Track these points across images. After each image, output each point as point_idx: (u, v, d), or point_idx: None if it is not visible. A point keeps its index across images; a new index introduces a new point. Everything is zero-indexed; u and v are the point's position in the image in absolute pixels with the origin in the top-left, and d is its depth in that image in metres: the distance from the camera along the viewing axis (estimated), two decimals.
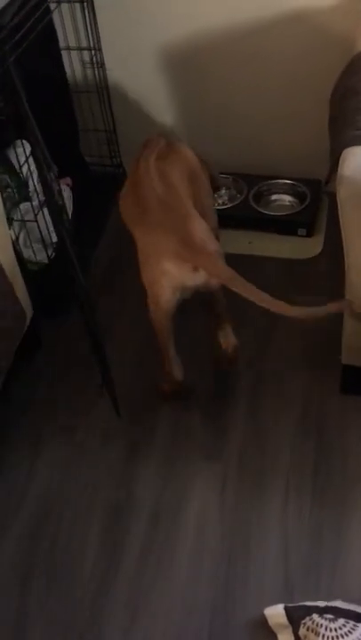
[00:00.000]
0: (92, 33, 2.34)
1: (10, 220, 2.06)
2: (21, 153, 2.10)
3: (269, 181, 2.51)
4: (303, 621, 1.40)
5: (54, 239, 2.16)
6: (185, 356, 2.01)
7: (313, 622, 1.38)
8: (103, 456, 1.84)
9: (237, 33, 2.30)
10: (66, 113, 2.50)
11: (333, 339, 1.82)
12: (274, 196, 2.51)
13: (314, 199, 2.43)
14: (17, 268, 1.87)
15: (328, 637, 1.35)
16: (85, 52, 2.40)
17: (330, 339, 1.91)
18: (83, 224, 2.37)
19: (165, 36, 2.35)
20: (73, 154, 2.58)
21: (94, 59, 2.39)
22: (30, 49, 1.86)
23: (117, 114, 2.53)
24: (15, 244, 2.08)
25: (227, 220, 2.42)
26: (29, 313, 1.93)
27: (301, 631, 1.39)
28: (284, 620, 1.43)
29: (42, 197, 2.14)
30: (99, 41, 2.37)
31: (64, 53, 2.40)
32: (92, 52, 2.38)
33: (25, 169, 2.12)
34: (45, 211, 2.09)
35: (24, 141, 2.11)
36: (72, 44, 2.39)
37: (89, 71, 2.43)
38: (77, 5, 2.29)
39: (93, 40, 2.35)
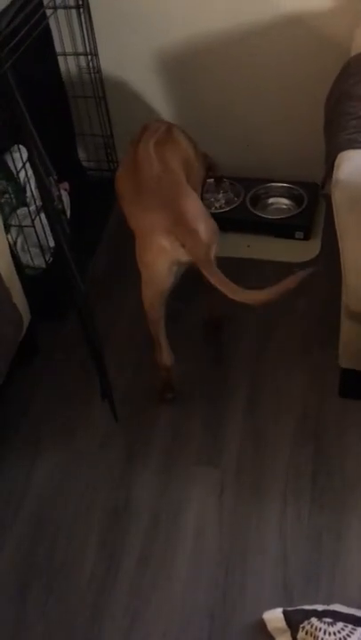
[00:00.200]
0: (88, 38, 2.35)
1: (7, 227, 2.06)
2: (18, 158, 2.10)
3: (266, 185, 2.51)
4: (302, 625, 1.39)
5: (52, 244, 2.16)
6: (185, 356, 2.02)
7: (312, 626, 1.38)
8: (102, 459, 1.84)
9: (234, 37, 2.30)
10: (63, 118, 2.50)
11: (332, 341, 1.82)
12: (271, 200, 2.51)
13: (311, 202, 2.43)
14: (14, 275, 1.87)
15: None
16: (82, 58, 2.40)
17: (328, 341, 1.91)
18: (80, 229, 2.37)
19: (161, 41, 2.36)
20: (70, 159, 2.58)
21: (90, 64, 2.40)
22: (27, 54, 1.87)
23: (114, 118, 2.54)
24: (13, 249, 2.09)
25: (224, 224, 2.41)
26: (27, 319, 1.94)
27: (300, 635, 1.39)
28: (282, 624, 1.43)
29: (39, 202, 2.14)
30: (95, 46, 2.38)
31: (61, 59, 2.41)
32: (89, 57, 2.39)
33: (22, 174, 2.13)
34: (43, 216, 2.10)
35: (21, 146, 2.11)
36: (68, 49, 2.40)
37: (86, 76, 2.43)
38: (73, 11, 2.30)
39: (90, 45, 2.36)
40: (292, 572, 1.57)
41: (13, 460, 1.86)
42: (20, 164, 2.10)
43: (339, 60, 1.87)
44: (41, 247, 2.11)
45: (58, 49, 2.38)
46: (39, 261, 2.15)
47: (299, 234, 2.39)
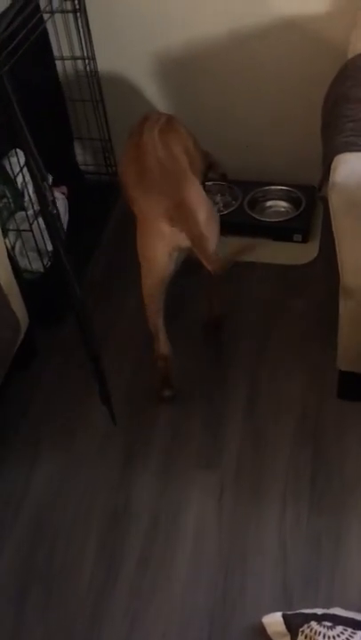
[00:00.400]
0: (85, 42, 2.35)
1: (5, 232, 2.06)
2: (15, 162, 2.10)
3: (264, 188, 2.51)
4: (301, 629, 1.39)
5: (50, 248, 2.16)
6: (185, 356, 2.02)
7: (311, 630, 1.38)
8: (101, 461, 1.84)
9: (232, 41, 2.31)
10: (61, 122, 2.51)
11: (331, 342, 1.82)
12: (269, 203, 2.51)
13: (309, 205, 2.43)
14: (13, 280, 1.87)
15: None
16: (79, 61, 2.41)
17: (327, 342, 1.91)
18: (78, 232, 2.38)
19: (158, 44, 2.36)
20: (68, 162, 2.58)
21: (88, 67, 2.40)
22: (25, 58, 1.87)
23: (112, 122, 2.54)
24: (12, 253, 2.09)
25: (222, 227, 2.42)
26: (25, 323, 1.94)
27: (300, 639, 1.38)
28: (282, 627, 1.43)
29: (37, 207, 2.14)
30: (92, 50, 2.38)
31: (58, 62, 2.41)
32: (86, 61, 2.39)
33: (20, 178, 2.13)
34: (41, 220, 2.10)
35: (19, 150, 2.12)
36: (66, 53, 2.40)
37: (83, 80, 2.44)
38: (71, 15, 2.31)
39: (87, 49, 2.37)
40: (291, 575, 1.56)
41: (13, 462, 1.86)
42: (17, 169, 2.10)
43: (336, 63, 1.88)
44: (39, 251, 2.11)
45: (55, 53, 2.39)
46: (37, 265, 2.15)
47: (297, 236, 2.39)
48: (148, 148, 1.87)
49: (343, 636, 1.35)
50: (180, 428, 1.90)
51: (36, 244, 2.09)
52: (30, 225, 2.06)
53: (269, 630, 1.45)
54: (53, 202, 1.56)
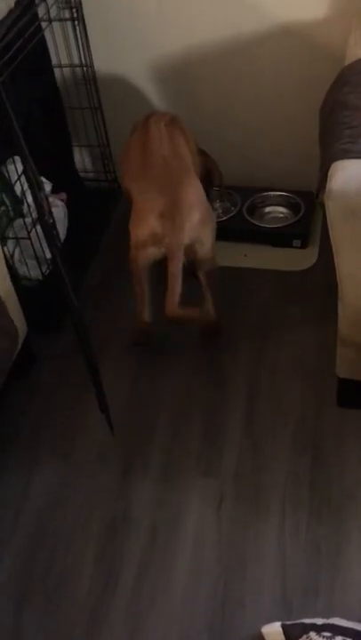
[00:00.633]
0: (83, 50, 2.35)
1: (4, 240, 2.06)
2: (13, 170, 2.11)
3: (263, 193, 2.51)
4: None
5: (48, 256, 2.16)
6: (183, 367, 2.02)
7: None
8: (101, 468, 1.84)
9: (229, 48, 2.31)
10: (59, 129, 2.51)
11: (330, 350, 1.82)
12: (268, 209, 2.51)
13: (308, 211, 2.43)
14: (11, 288, 1.87)
15: None
16: (77, 69, 2.41)
17: (326, 349, 1.90)
18: (78, 238, 2.38)
19: (156, 52, 2.36)
20: (67, 169, 2.59)
21: (86, 75, 2.40)
22: (23, 66, 1.88)
23: (111, 129, 2.54)
24: (10, 260, 2.09)
25: (221, 233, 2.42)
26: (23, 332, 1.93)
27: None
28: (281, 638, 1.42)
29: (35, 214, 2.14)
30: (90, 57, 2.38)
31: (57, 70, 2.41)
32: (84, 68, 2.39)
33: (19, 186, 2.13)
34: (39, 227, 2.10)
35: (17, 158, 2.12)
36: (64, 60, 2.40)
37: (81, 87, 2.44)
38: (69, 23, 2.31)
39: (85, 57, 2.37)
40: (291, 584, 1.55)
41: (12, 468, 1.86)
42: (16, 176, 2.10)
43: (334, 68, 1.87)
44: (37, 259, 2.11)
45: (54, 60, 2.39)
46: (36, 273, 2.15)
47: (296, 242, 2.39)
48: (154, 142, 1.88)
49: None
50: (179, 435, 1.89)
51: (35, 252, 2.09)
52: (28, 232, 2.06)
53: None
54: (49, 211, 1.56)
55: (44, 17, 2.15)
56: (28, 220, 2.11)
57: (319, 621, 1.42)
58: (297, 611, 1.50)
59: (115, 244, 2.50)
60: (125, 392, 2.02)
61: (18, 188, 2.14)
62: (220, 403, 1.96)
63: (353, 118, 1.59)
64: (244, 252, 2.41)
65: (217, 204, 2.52)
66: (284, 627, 1.43)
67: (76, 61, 2.39)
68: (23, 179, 2.11)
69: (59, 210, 2.34)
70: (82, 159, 2.67)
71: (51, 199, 2.30)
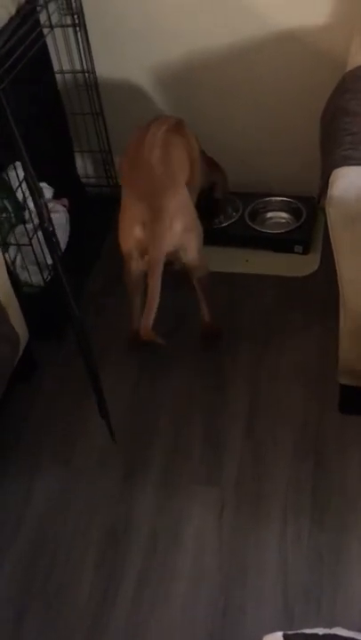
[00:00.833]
0: (84, 56, 2.36)
1: (6, 246, 2.07)
2: (15, 176, 2.11)
3: (265, 199, 2.51)
4: None
5: (50, 262, 2.16)
6: (184, 372, 2.01)
7: None
8: (101, 475, 1.84)
9: (230, 54, 2.31)
10: (61, 134, 2.51)
11: (332, 355, 1.81)
12: (270, 214, 2.51)
13: (310, 216, 2.43)
14: (12, 294, 1.87)
15: None
16: (79, 75, 2.41)
17: (328, 355, 1.90)
18: (80, 244, 2.38)
19: (157, 58, 2.37)
20: (69, 175, 2.59)
21: (88, 81, 2.41)
22: (25, 72, 1.88)
23: (112, 135, 2.55)
24: (12, 267, 2.09)
25: (223, 239, 2.43)
26: (24, 338, 1.93)
27: None
28: None
29: (37, 221, 2.14)
30: (92, 63, 2.39)
31: (58, 76, 2.42)
32: (86, 74, 2.40)
33: (20, 192, 2.13)
34: (41, 234, 2.10)
35: (18, 164, 2.12)
36: (66, 66, 2.41)
37: (83, 93, 2.44)
38: (70, 30, 2.32)
39: (87, 63, 2.37)
40: (292, 594, 1.55)
41: (14, 474, 1.86)
42: (17, 182, 2.11)
43: (335, 75, 1.88)
44: (39, 265, 2.11)
45: (55, 66, 2.40)
46: (37, 279, 2.15)
47: (298, 248, 2.39)
48: (145, 147, 1.87)
49: None
50: (179, 442, 1.89)
51: (36, 258, 2.09)
52: (30, 239, 2.06)
53: None
54: (49, 219, 1.57)
55: (46, 23, 2.15)
56: (30, 226, 2.11)
57: (321, 631, 1.40)
58: (298, 618, 1.50)
59: (116, 249, 2.49)
60: (126, 396, 2.01)
61: (20, 195, 2.14)
62: (222, 408, 1.96)
63: (354, 125, 1.59)
64: (246, 257, 2.41)
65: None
66: (285, 636, 1.42)
67: (78, 67, 2.40)
68: (25, 185, 2.12)
69: (60, 215, 2.34)
70: (83, 165, 2.67)
71: (52, 205, 2.30)
